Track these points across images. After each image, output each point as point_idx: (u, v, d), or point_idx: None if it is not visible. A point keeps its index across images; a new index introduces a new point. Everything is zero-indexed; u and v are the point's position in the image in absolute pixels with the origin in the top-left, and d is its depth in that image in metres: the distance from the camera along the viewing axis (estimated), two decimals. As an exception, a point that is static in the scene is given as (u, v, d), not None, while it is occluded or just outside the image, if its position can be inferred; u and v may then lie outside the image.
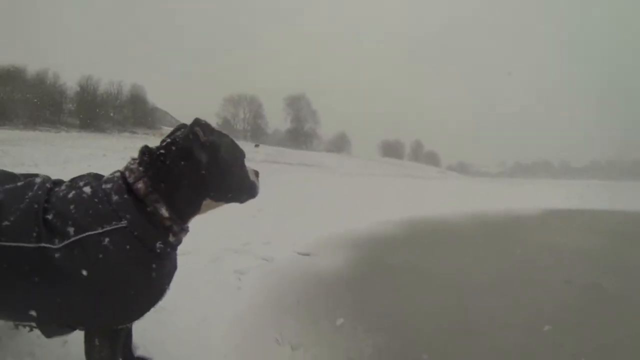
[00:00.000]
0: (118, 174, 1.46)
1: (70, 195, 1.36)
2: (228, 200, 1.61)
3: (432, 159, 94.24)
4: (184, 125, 1.52)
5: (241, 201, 1.67)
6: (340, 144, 78.05)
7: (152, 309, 1.51)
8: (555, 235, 7.20)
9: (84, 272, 1.26)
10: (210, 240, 4.26)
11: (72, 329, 1.45)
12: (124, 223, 1.32)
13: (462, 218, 8.65)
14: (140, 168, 1.43)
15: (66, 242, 1.26)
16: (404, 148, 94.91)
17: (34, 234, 1.26)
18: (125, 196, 1.37)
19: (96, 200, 1.35)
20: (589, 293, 3.77)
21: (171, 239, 1.46)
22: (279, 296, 3.23)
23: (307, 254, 4.63)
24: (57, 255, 1.24)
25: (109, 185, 1.40)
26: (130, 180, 1.41)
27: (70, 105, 42.32)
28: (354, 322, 2.83)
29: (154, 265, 1.40)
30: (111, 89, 45.49)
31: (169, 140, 1.47)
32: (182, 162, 1.42)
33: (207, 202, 1.53)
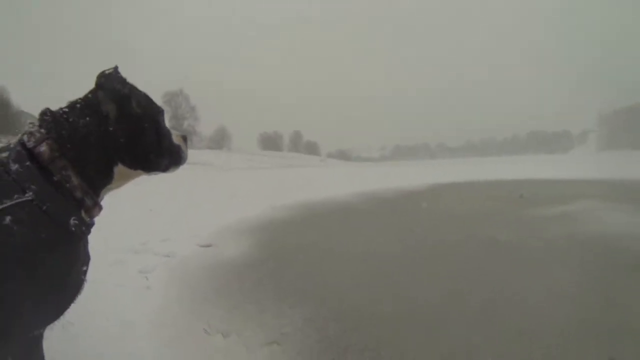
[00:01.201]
0: (16, 140, 1.16)
1: None
2: (146, 167, 1.34)
3: (311, 149, 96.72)
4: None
5: (164, 169, 1.41)
6: (220, 140, 76.48)
7: (59, 322, 1.21)
8: (443, 203, 7.70)
9: None
10: (104, 243, 3.86)
11: None
12: (29, 196, 1.03)
13: (353, 198, 8.84)
14: (42, 130, 1.14)
15: None
16: (282, 139, 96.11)
17: None
18: (27, 163, 1.07)
19: None
20: (486, 246, 4.10)
21: (84, 215, 1.18)
22: (193, 289, 3.01)
23: (209, 245, 4.42)
24: None
25: (4, 154, 1.09)
26: (31, 144, 1.11)
27: None
28: (276, 300, 2.74)
29: (69, 248, 1.12)
30: None
31: (74, 100, 1.22)
32: (87, 118, 1.17)
33: (119, 168, 1.26)
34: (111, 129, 1.20)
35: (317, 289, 2.98)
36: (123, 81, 1.24)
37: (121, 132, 1.22)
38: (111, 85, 1.20)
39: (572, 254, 3.73)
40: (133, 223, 5.37)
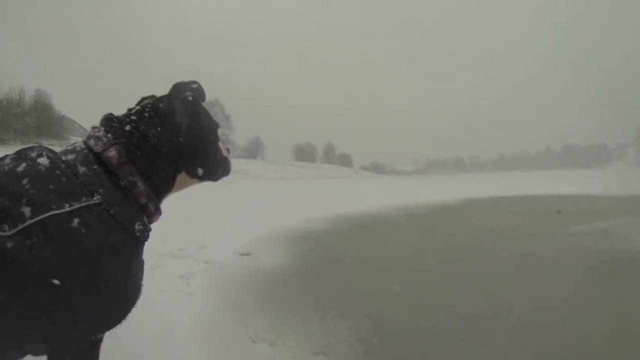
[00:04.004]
0: (80, 143, 1.16)
1: (20, 169, 1.01)
2: (202, 176, 1.35)
3: (345, 161, 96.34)
4: (151, 96, 1.28)
5: (215, 178, 1.44)
6: (254, 150, 77.23)
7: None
8: (479, 218, 7.59)
9: (49, 266, 0.91)
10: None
11: (25, 351, 1.06)
12: (96, 199, 1.01)
13: (388, 211, 8.81)
14: (109, 135, 1.15)
15: (21, 226, 0.90)
16: (316, 151, 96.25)
17: None
18: (95, 167, 1.07)
19: (58, 172, 1.02)
20: (523, 262, 4.05)
21: (145, 220, 1.17)
22: (233, 296, 3.02)
23: (248, 254, 4.43)
24: (9, 245, 0.88)
25: (71, 156, 1.09)
26: (98, 149, 1.11)
27: (-34, 113, 37.20)
28: (318, 311, 2.73)
29: (133, 253, 1.11)
30: (12, 95, 40.46)
31: (138, 107, 1.23)
32: (159, 128, 1.18)
33: (181, 176, 1.28)
34: (181, 139, 1.21)
35: (357, 301, 2.96)
36: (199, 94, 1.27)
37: (190, 143, 1.24)
38: (195, 100, 1.23)
39: (610, 272, 3.65)
40: (170, 228, 5.41)
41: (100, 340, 1.16)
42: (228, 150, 1.54)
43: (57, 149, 1.17)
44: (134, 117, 1.19)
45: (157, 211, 1.23)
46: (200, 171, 1.32)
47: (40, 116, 41.58)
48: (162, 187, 1.24)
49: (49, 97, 43.71)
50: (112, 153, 1.11)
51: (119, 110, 1.26)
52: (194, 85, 1.25)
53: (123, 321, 1.14)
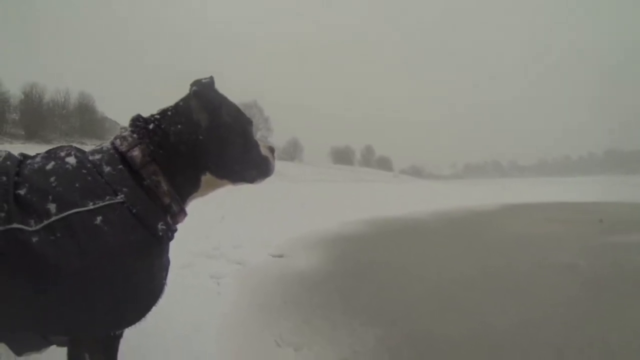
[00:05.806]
0: (107, 144, 1.19)
1: (49, 167, 1.06)
2: (233, 177, 1.34)
3: (384, 164, 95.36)
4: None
5: (251, 180, 1.41)
6: (292, 152, 77.59)
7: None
8: (518, 225, 7.40)
9: (71, 261, 0.95)
10: (177, 246, 3.97)
11: (49, 342, 1.12)
12: (120, 198, 1.04)
13: (425, 216, 8.69)
14: (134, 135, 1.17)
15: (46, 222, 0.95)
16: (354, 154, 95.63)
17: (2, 214, 0.94)
18: (120, 166, 1.10)
19: (84, 171, 1.06)
20: (562, 273, 3.87)
21: (169, 220, 1.19)
22: (264, 298, 3.01)
23: (281, 256, 4.45)
24: (34, 239, 0.92)
25: (97, 156, 1.12)
26: (123, 148, 1.14)
27: (14, 114, 38.79)
28: (347, 317, 2.69)
29: (155, 252, 1.13)
30: (57, 97, 42.20)
31: (164, 107, 1.25)
32: (179, 126, 1.19)
33: (207, 177, 1.27)
34: (201, 137, 1.20)
35: (388, 308, 2.91)
36: (216, 91, 1.25)
37: (211, 141, 1.22)
38: (206, 94, 1.21)
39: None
40: (206, 227, 5.49)
41: (120, 336, 1.18)
42: (272, 149, 1.50)
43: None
44: (157, 116, 1.21)
45: (182, 212, 1.24)
46: (225, 171, 1.31)
47: (84, 118, 43.09)
48: (186, 187, 1.24)
49: (92, 99, 45.35)
50: (136, 152, 1.14)
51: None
52: (205, 80, 1.23)
53: (142, 319, 1.15)
